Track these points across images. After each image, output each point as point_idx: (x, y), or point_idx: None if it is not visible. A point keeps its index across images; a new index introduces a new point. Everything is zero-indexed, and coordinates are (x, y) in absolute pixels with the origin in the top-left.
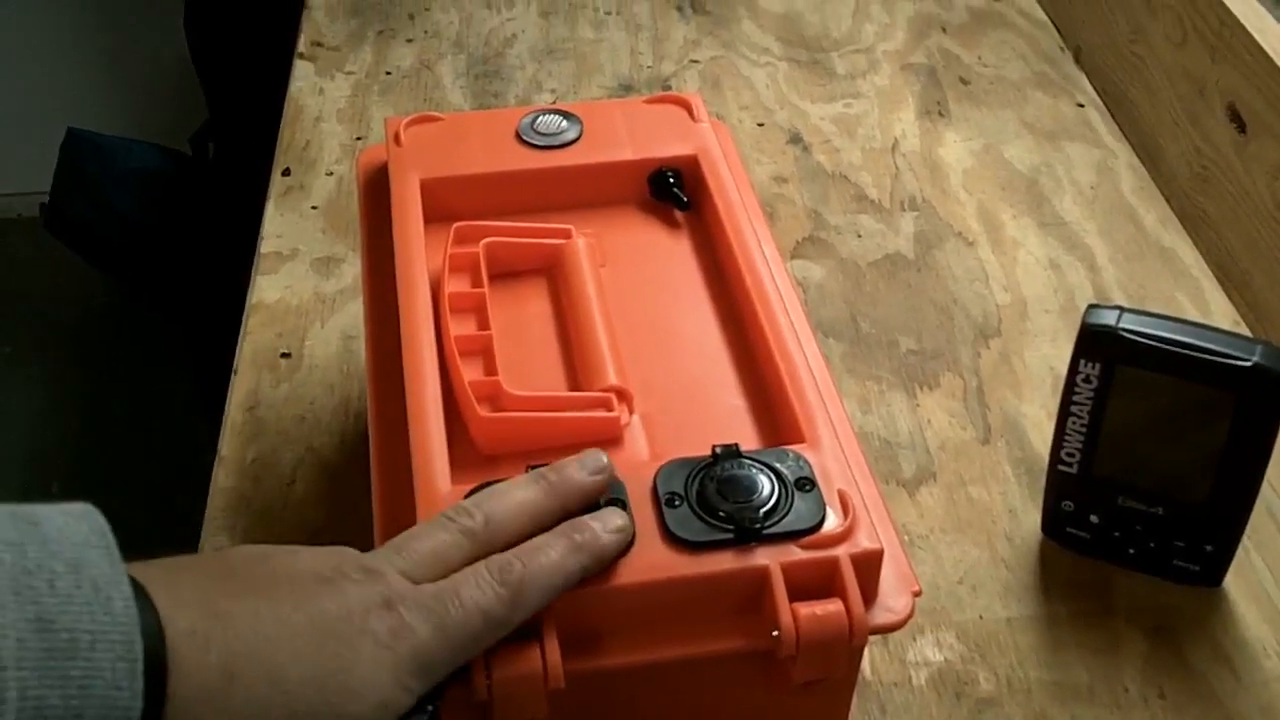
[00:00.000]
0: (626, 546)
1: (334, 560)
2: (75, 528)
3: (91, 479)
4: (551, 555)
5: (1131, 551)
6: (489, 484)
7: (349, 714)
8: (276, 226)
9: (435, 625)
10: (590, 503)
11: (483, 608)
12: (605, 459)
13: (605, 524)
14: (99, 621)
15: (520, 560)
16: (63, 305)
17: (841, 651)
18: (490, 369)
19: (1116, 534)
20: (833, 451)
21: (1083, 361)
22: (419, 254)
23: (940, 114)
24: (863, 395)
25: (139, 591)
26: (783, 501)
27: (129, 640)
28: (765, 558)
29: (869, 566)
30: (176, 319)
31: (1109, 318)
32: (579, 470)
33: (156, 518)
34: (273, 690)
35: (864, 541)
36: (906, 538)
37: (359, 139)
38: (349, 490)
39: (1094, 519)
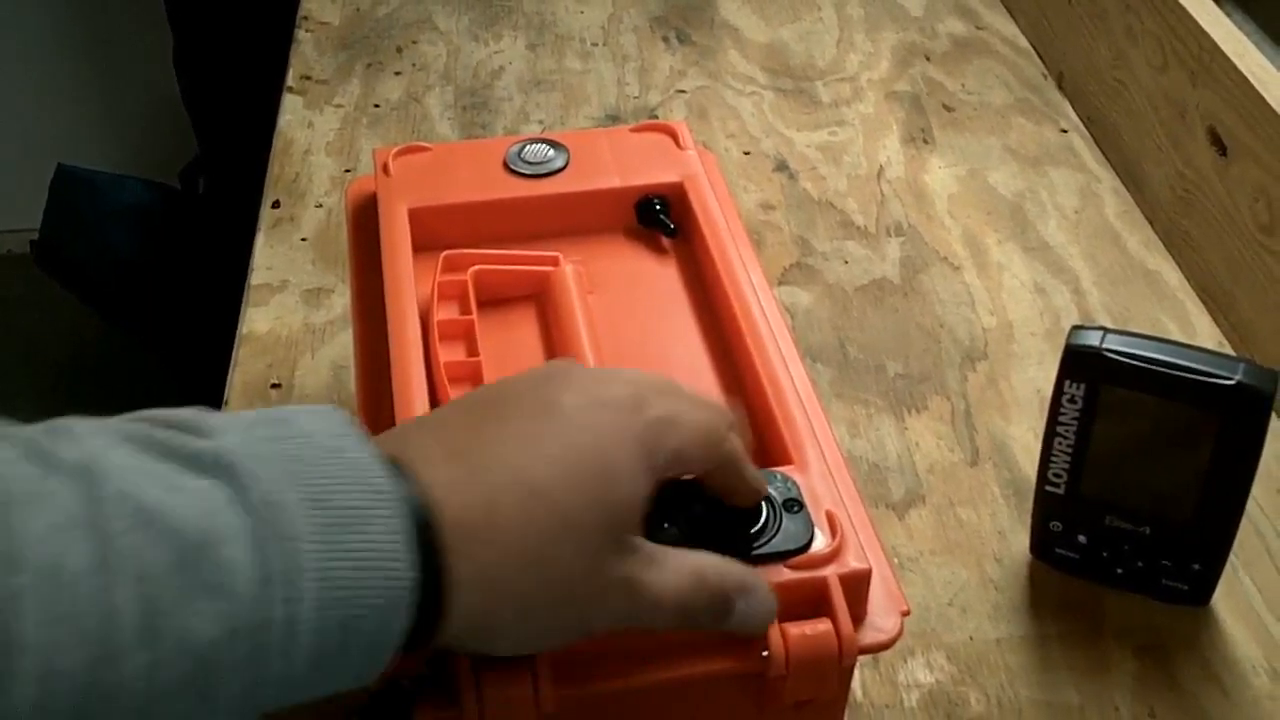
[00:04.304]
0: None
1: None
2: (323, 422)
3: None
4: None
5: (1120, 571)
6: None
7: (610, 499)
8: (266, 258)
9: (673, 401)
10: None
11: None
12: None
13: None
14: (366, 500)
15: None
16: (53, 341)
17: (831, 671)
18: None
19: (1104, 554)
20: (820, 473)
21: (1068, 382)
22: (408, 282)
23: (925, 141)
24: (851, 419)
25: (395, 465)
26: (771, 522)
27: (395, 515)
28: None
29: (857, 586)
30: (167, 353)
31: (1093, 338)
32: None
33: None
34: (534, 501)
35: (852, 561)
36: (896, 560)
37: (348, 171)
38: None
39: (1082, 539)
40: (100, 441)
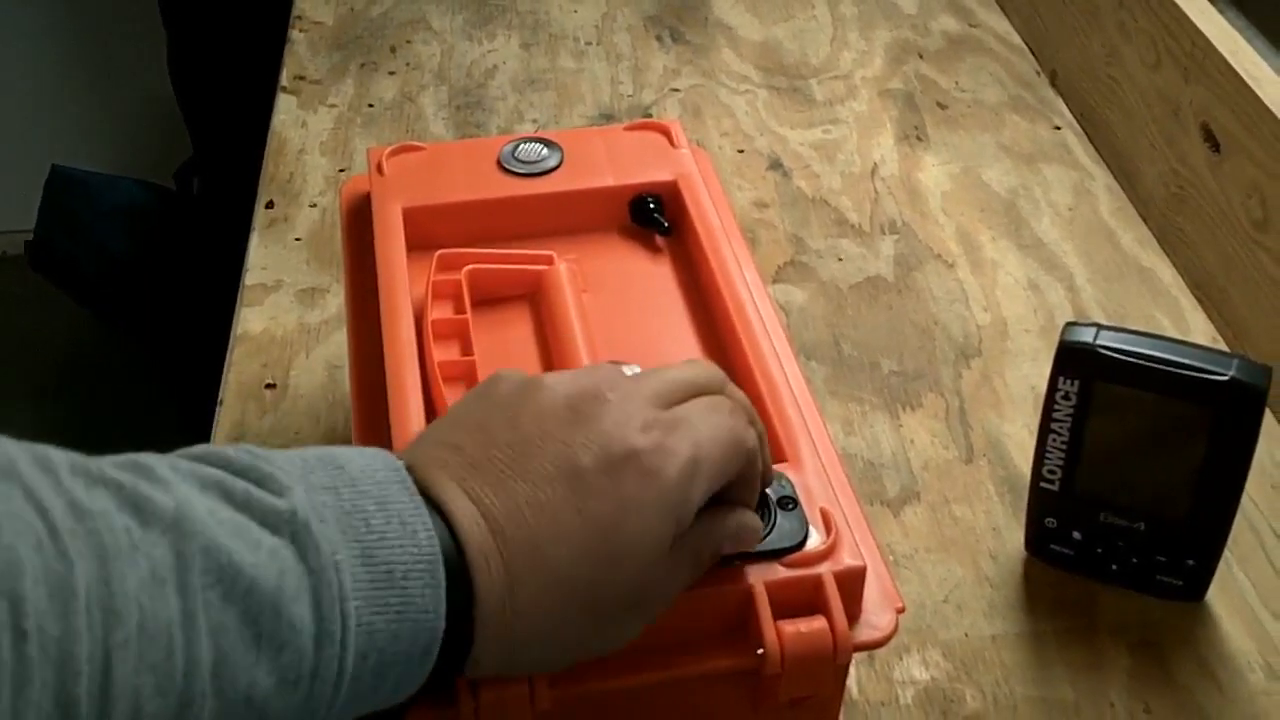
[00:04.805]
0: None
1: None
2: (374, 467)
3: None
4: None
5: (1114, 567)
6: None
7: (628, 577)
8: (261, 258)
9: (696, 429)
10: None
11: (730, 425)
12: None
13: None
14: (409, 554)
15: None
16: (49, 343)
17: (826, 668)
18: None
19: (1099, 550)
20: (815, 470)
21: (1061, 379)
22: (402, 282)
23: (918, 138)
24: (846, 417)
25: (433, 508)
26: (766, 520)
27: (434, 569)
28: (750, 576)
29: (852, 583)
30: (162, 353)
31: (1087, 335)
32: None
33: None
34: (554, 588)
35: (847, 559)
36: (891, 557)
37: (342, 171)
38: None
39: (1077, 536)
40: (185, 489)
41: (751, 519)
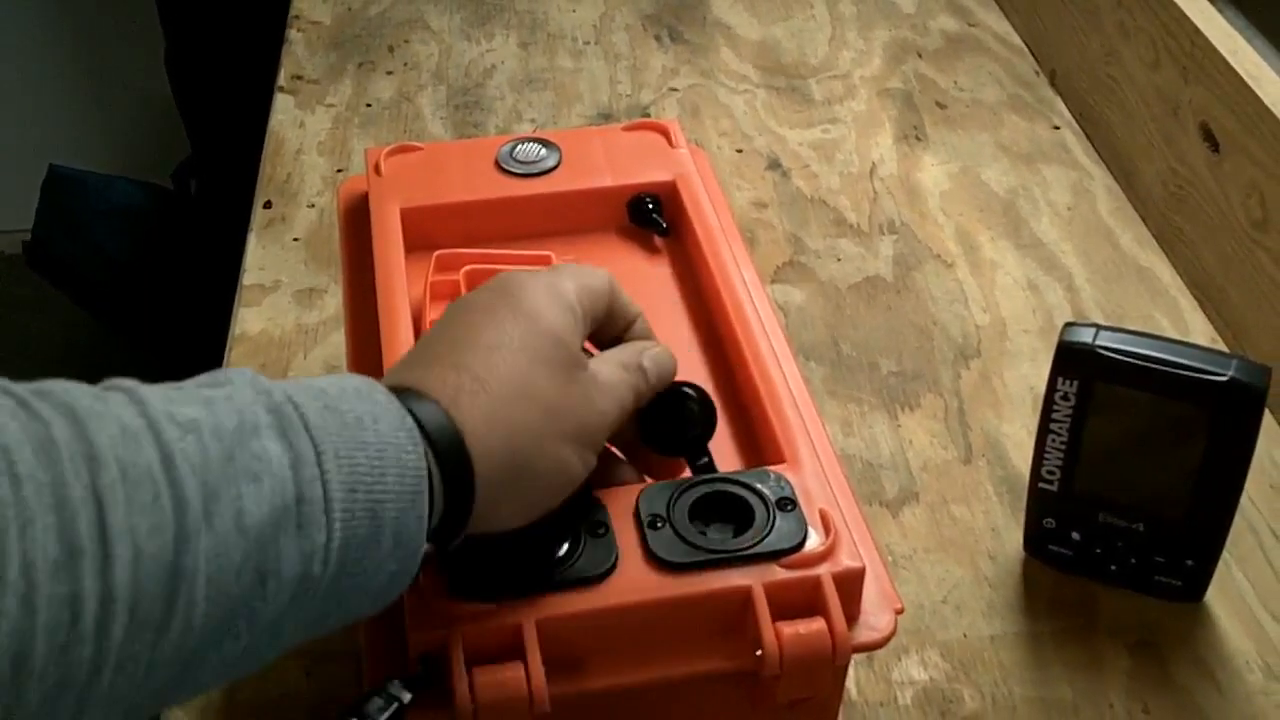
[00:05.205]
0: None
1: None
2: (341, 380)
3: None
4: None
5: (1113, 568)
6: None
7: (542, 327)
8: (258, 259)
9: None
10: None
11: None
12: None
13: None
14: (370, 408)
15: None
16: (47, 342)
17: (825, 670)
18: None
19: (1098, 550)
20: (813, 471)
21: (1060, 379)
22: (400, 282)
23: (917, 138)
24: (844, 417)
25: (392, 388)
26: (765, 522)
27: (400, 415)
28: (748, 578)
29: (851, 585)
30: (160, 353)
31: (1086, 335)
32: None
33: None
34: (496, 354)
35: (845, 560)
36: (890, 558)
37: (340, 171)
38: None
39: (1075, 536)
40: (130, 383)
41: (656, 347)
